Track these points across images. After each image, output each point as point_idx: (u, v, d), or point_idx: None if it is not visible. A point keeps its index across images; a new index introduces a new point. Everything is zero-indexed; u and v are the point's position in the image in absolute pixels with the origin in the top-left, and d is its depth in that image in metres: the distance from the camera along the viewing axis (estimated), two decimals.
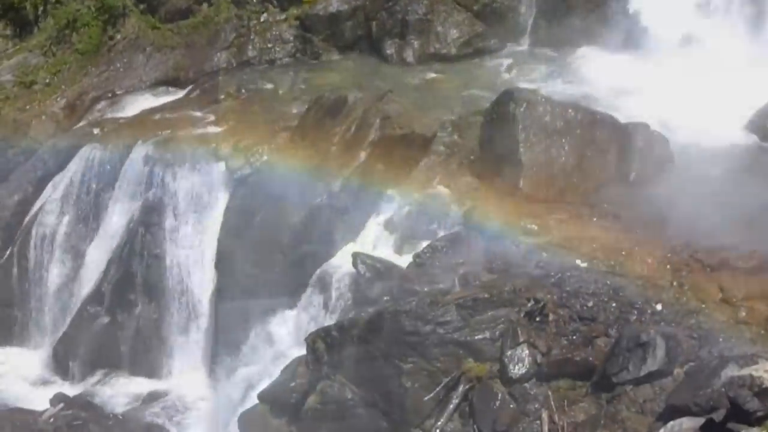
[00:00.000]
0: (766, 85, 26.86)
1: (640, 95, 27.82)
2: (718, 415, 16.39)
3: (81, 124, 31.36)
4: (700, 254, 22.80)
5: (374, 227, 25.74)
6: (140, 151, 28.96)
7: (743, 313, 21.13)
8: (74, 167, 29.68)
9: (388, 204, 25.84)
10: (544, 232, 23.97)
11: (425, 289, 23.24)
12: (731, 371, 17.05)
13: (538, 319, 21.81)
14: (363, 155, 26.77)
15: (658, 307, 21.60)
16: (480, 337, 21.87)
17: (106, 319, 28.36)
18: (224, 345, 27.03)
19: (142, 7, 33.62)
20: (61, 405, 27.05)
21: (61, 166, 29.98)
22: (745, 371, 16.31)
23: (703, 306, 21.42)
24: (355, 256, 24.94)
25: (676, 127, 26.58)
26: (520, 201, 25.02)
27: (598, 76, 29.80)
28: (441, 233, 24.84)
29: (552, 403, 20.78)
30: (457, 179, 26.12)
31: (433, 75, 31.43)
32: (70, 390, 27.78)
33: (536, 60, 31.52)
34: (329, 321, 24.46)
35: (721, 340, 20.27)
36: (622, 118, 26.38)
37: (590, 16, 31.66)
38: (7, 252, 29.88)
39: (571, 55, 31.36)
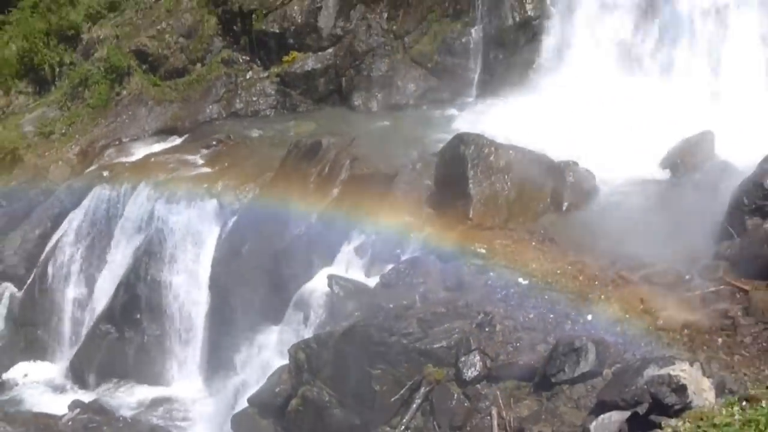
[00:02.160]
0: (676, 127, 26.95)
1: (570, 136, 27.82)
2: (641, 409, 16.38)
3: (92, 167, 31.23)
4: (623, 272, 22.83)
5: (346, 253, 25.67)
6: (143, 191, 29.03)
7: (661, 322, 21.10)
8: (87, 205, 29.68)
9: (358, 233, 25.77)
10: (491, 255, 23.97)
11: (391, 306, 23.21)
12: (652, 371, 17.00)
13: (487, 329, 21.81)
14: (336, 191, 26.84)
15: (589, 317, 21.60)
16: (438, 345, 21.84)
17: (115, 335, 28.26)
18: (218, 356, 26.96)
19: (144, 67, 33.55)
20: (78, 410, 26.86)
21: (76, 204, 29.93)
22: (664, 371, 16.28)
23: (627, 316, 21.39)
24: (330, 278, 24.92)
25: (601, 163, 26.62)
26: (471, 229, 25.02)
27: (534, 121, 29.82)
28: (404, 257, 24.79)
29: (500, 401, 20.72)
30: (416, 211, 26.09)
31: (394, 122, 31.40)
32: (86, 397, 27.57)
33: (482, 109, 31.51)
34: (308, 334, 24.42)
35: (642, 344, 20.25)
36: (555, 156, 26.45)
37: (526, 72, 31.72)
38: (30, 278, 29.72)
39: (510, 104, 31.37)
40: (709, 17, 29.44)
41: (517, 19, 31.84)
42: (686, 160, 26.52)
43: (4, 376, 29.09)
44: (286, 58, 33.01)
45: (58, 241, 29.74)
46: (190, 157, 30.63)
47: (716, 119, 27.06)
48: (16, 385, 28.79)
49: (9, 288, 29.86)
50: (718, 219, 23.71)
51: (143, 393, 27.66)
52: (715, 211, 23.98)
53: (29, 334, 29.64)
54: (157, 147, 31.82)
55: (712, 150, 26.43)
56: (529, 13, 31.76)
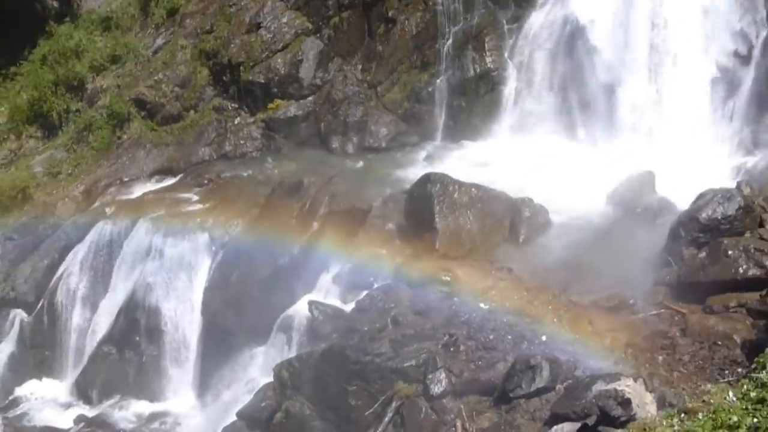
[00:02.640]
0: (620, 167, 27.08)
1: (526, 176, 27.93)
2: (590, 421, 16.42)
3: (96, 204, 31.18)
4: (574, 297, 22.93)
5: (325, 281, 25.69)
6: (142, 226, 28.96)
7: (608, 342, 21.17)
8: (91, 238, 29.59)
9: (336, 262, 25.81)
10: (456, 282, 24.02)
11: (365, 328, 23.30)
12: (600, 386, 17.05)
13: (452, 349, 21.85)
14: (316, 225, 26.84)
15: (544, 338, 21.66)
16: (408, 364, 21.87)
17: (116, 356, 28.14)
18: (209, 375, 26.88)
19: (143, 113, 33.53)
20: (82, 424, 26.91)
21: (81, 238, 29.84)
22: (611, 386, 16.33)
23: (577, 336, 21.46)
24: (311, 304, 24.94)
25: (554, 200, 26.71)
26: (437, 259, 25.07)
27: (494, 162, 29.92)
28: (377, 285, 24.82)
29: (464, 414, 20.75)
30: (388, 242, 26.15)
31: (368, 163, 31.45)
32: (90, 412, 27.50)
33: (446, 151, 31.56)
34: (291, 354, 24.43)
35: (591, 362, 20.32)
36: (512, 193, 26.55)
37: (487, 118, 31.81)
38: (39, 305, 29.57)
39: (473, 147, 31.46)
40: (648, 68, 29.67)
41: (478, 70, 31.92)
42: (629, 197, 26.64)
43: (15, 393, 28.94)
44: (270, 105, 33.03)
45: (64, 271, 29.63)
46: (184, 195, 30.60)
47: (656, 161, 27.22)
48: (26, 401, 28.62)
49: (20, 314, 29.69)
50: (658, 249, 23.86)
51: (141, 408, 27.50)
52: (656, 242, 24.13)
53: (38, 355, 29.49)
54: (155, 186, 31.77)
55: (652, 188, 26.58)
56: (488, 65, 31.85)
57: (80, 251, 29.63)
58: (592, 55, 30.34)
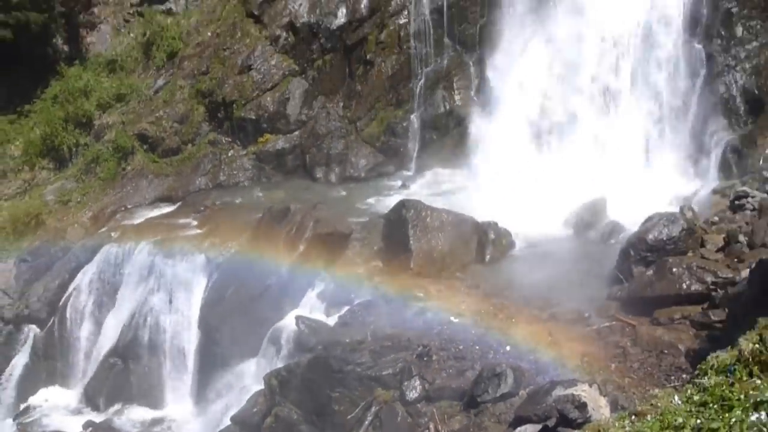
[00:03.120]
0: (576, 194, 27.18)
1: (492, 201, 27.98)
2: (550, 423, 16.39)
3: (103, 229, 31.04)
4: (535, 311, 22.95)
5: (310, 297, 25.64)
6: (145, 248, 28.88)
7: (566, 351, 21.15)
8: (98, 260, 29.48)
9: (320, 281, 25.80)
10: (428, 298, 24.05)
11: (347, 340, 23.24)
12: (559, 392, 17.04)
13: (425, 359, 21.82)
14: (302, 247, 26.79)
15: (508, 348, 21.65)
16: (386, 372, 21.87)
17: (121, 367, 27.99)
18: (205, 383, 26.71)
19: (145, 147, 33.49)
20: (90, 429, 26.82)
21: (89, 259, 29.72)
22: (569, 391, 16.31)
23: (538, 347, 21.43)
24: (297, 318, 24.94)
25: (516, 223, 26.77)
26: (411, 277, 25.12)
27: (463, 189, 29.99)
28: (357, 301, 24.81)
29: (436, 417, 20.70)
30: (367, 262, 26.20)
31: (349, 191, 31.48)
32: (97, 418, 27.32)
33: (420, 180, 31.68)
34: (280, 364, 24.35)
35: (551, 370, 20.31)
36: (479, 218, 26.60)
37: (456, 150, 31.89)
38: (51, 321, 29.42)
39: (442, 176, 31.54)
40: (599, 107, 29.83)
41: (447, 107, 32.07)
42: (584, 220, 26.77)
43: (29, 401, 28.79)
44: (260, 139, 33.02)
45: (74, 290, 29.48)
46: (182, 221, 30.51)
47: (608, 188, 27.32)
48: (39, 408, 28.46)
49: (33, 329, 29.60)
50: (610, 267, 23.93)
51: (144, 414, 27.34)
52: (608, 261, 24.20)
53: (49, 366, 29.32)
54: (156, 212, 31.67)
55: (604, 212, 26.74)
56: (457, 102, 32.01)
57: (88, 272, 29.51)
58: (558, 93, 30.53)
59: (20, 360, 29.48)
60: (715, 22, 28.70)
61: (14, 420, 28.24)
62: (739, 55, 28.40)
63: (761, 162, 26.32)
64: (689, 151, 28.60)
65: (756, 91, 27.87)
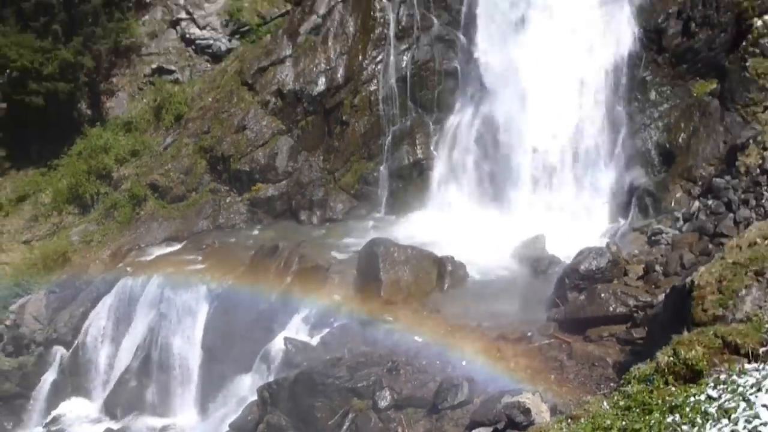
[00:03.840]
0: (521, 232, 27.29)
1: (449, 239, 28.07)
2: (500, 426, 16.37)
3: (120, 265, 30.80)
4: (486, 331, 22.97)
5: (296, 321, 25.53)
6: (155, 281, 28.72)
7: (512, 365, 21.19)
8: (115, 291, 29.28)
9: (305, 307, 25.71)
10: (396, 321, 24.10)
11: (327, 357, 23.26)
12: (507, 399, 17.04)
13: (394, 372, 21.84)
14: (289, 279, 26.75)
15: (464, 363, 21.67)
16: (361, 384, 21.89)
17: (135, 382, 27.77)
18: (208, 395, 26.59)
19: (156, 194, 33.32)
20: None
21: (108, 291, 29.50)
22: (515, 399, 16.30)
23: (489, 361, 21.46)
24: (285, 339, 24.87)
25: (470, 257, 26.82)
26: (382, 303, 25.14)
27: (425, 229, 30.02)
28: (336, 324, 24.79)
29: (404, 422, 20.69)
30: (344, 291, 26.17)
31: (328, 231, 31.44)
32: (115, 426, 27.06)
33: (388, 221, 31.68)
34: (271, 378, 24.30)
35: (500, 381, 20.32)
36: (438, 252, 26.64)
37: (419, 196, 31.98)
38: (75, 343, 29.16)
39: (408, 217, 31.58)
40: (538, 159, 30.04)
41: (411, 160, 32.13)
42: (527, 254, 26.85)
43: (56, 412, 28.52)
44: (254, 187, 32.93)
45: (95, 316, 29.27)
46: (187, 257, 30.36)
47: (546, 226, 27.46)
48: (65, 418, 28.23)
49: (60, 350, 29.31)
50: (549, 293, 24.02)
51: (155, 422, 27.09)
52: (547, 288, 24.31)
53: (74, 381, 29.01)
54: (165, 250, 31.45)
55: (544, 247, 26.82)
56: (419, 155, 32.10)
57: (107, 301, 29.29)
58: (498, 148, 30.71)
59: (49, 376, 29.14)
60: (633, 88, 29.04)
61: (44, 428, 28.04)
62: (653, 115, 28.71)
63: (672, 204, 26.54)
64: (614, 195, 28.81)
65: (667, 145, 28.13)
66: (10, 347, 29.67)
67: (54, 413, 28.52)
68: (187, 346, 27.39)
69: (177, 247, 31.65)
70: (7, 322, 30.10)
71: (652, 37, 28.96)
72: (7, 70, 35.41)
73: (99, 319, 29.18)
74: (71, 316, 29.66)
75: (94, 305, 29.57)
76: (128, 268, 30.39)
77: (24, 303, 30.47)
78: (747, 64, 26.73)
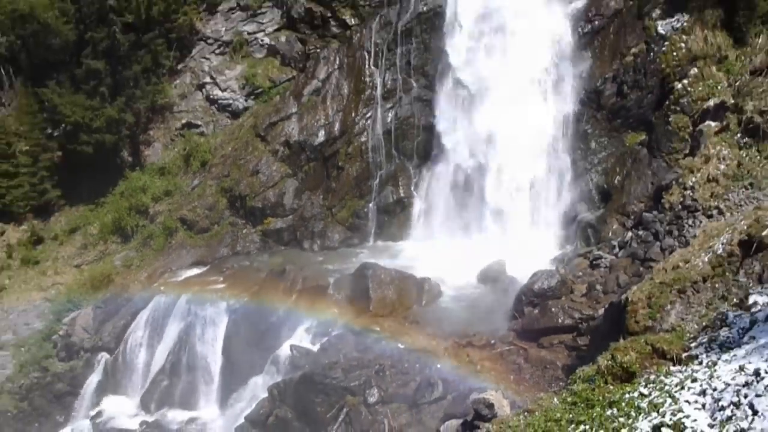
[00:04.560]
0: (484, 257, 27.26)
1: (427, 263, 28.01)
2: (469, 418, 16.24)
3: (154, 285, 30.62)
4: (457, 339, 22.89)
5: (300, 331, 25.45)
6: (184, 298, 28.56)
7: (478, 368, 21.10)
8: (151, 307, 29.09)
9: (307, 319, 25.65)
10: (383, 331, 24.04)
11: (326, 361, 23.17)
12: (474, 396, 16.92)
13: (381, 374, 21.70)
14: (294, 296, 26.71)
15: (439, 366, 21.56)
16: (353, 384, 21.79)
17: (167, 382, 27.56)
18: (227, 393, 26.39)
19: (185, 227, 33.23)
20: (145, 426, 26.45)
21: (144, 306, 29.31)
22: (481, 395, 16.18)
23: (459, 365, 21.37)
24: (291, 346, 24.82)
25: (444, 278, 26.77)
26: (371, 317, 25.09)
27: (407, 255, 29.99)
28: (333, 333, 24.70)
29: (389, 415, 20.56)
30: (340, 306, 26.05)
31: (327, 257, 31.29)
32: (149, 418, 26.90)
33: (377, 249, 31.58)
34: (279, 378, 24.20)
35: (468, 380, 20.24)
36: (418, 274, 26.58)
37: (403, 227, 31.93)
38: (117, 349, 28.92)
39: (393, 246, 31.52)
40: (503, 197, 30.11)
41: (395, 198, 32.11)
42: (491, 276, 26.81)
43: (99, 407, 28.24)
44: (265, 221, 32.84)
45: (134, 327, 29.04)
46: (211, 278, 30.14)
47: (506, 253, 27.44)
48: (107, 411, 27.94)
49: (105, 355, 29.06)
50: (509, 308, 23.96)
51: (183, 415, 26.81)
52: (508, 304, 24.23)
53: (115, 382, 28.72)
54: (192, 273, 31.25)
55: (504, 270, 26.80)
56: (402, 194, 32.08)
57: (144, 315, 29.07)
58: (466, 188, 30.80)
59: (94, 378, 28.87)
60: (576, 139, 29.18)
61: (90, 420, 27.72)
62: (593, 161, 28.85)
63: (610, 234, 26.57)
64: (562, 227, 28.86)
65: (605, 186, 28.25)
66: (63, 353, 29.44)
67: (98, 408, 28.22)
68: (210, 352, 27.16)
69: (202, 270, 31.46)
70: (61, 332, 29.91)
71: (591, 97, 29.17)
72: (62, 125, 35.43)
73: (137, 330, 28.95)
74: (114, 327, 29.43)
75: (134, 318, 29.35)
76: (162, 288, 30.20)
77: (75, 316, 30.29)
78: (670, 119, 26.92)
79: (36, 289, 32.86)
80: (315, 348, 24.50)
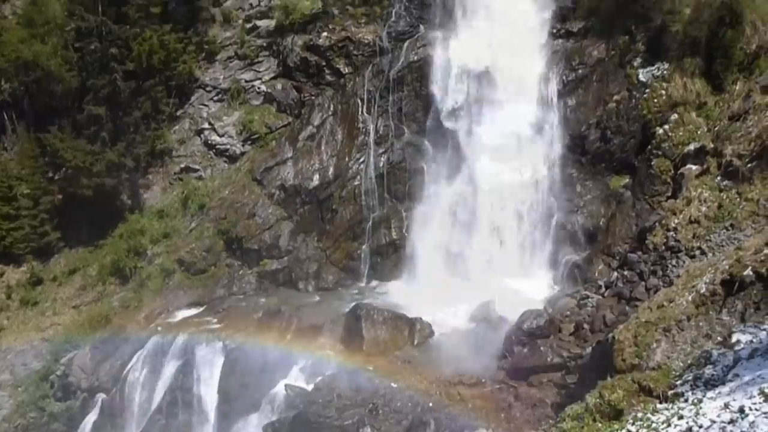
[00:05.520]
0: (475, 297, 27.24)
1: (418, 303, 27.95)
2: None
3: (152, 325, 30.41)
4: (449, 378, 22.81)
5: (295, 370, 25.28)
6: (181, 337, 28.29)
7: (470, 405, 21.03)
8: (148, 347, 28.75)
9: (301, 359, 25.48)
10: (376, 370, 24.01)
11: (320, 401, 22.98)
12: None
13: (374, 413, 21.57)
14: (289, 336, 26.67)
15: (431, 404, 21.42)
16: (347, 422, 21.79)
17: (164, 421, 27.19)
18: (223, 431, 26.00)
19: (182, 268, 33.11)
20: None
21: (142, 346, 28.95)
22: None
23: (451, 403, 21.27)
24: (286, 386, 24.64)
25: (435, 318, 26.69)
26: (364, 356, 24.98)
27: (399, 295, 29.94)
28: (327, 373, 24.55)
29: None
30: (334, 347, 26.01)
31: (322, 297, 31.17)
32: None
33: (370, 289, 31.48)
34: (274, 418, 24.03)
35: (460, 418, 20.12)
36: (409, 314, 26.52)
37: (393, 269, 31.89)
38: (114, 389, 28.53)
39: (386, 286, 31.43)
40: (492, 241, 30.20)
41: (388, 240, 32.10)
42: (481, 315, 26.75)
43: None
44: (261, 262, 32.77)
45: (131, 367, 28.67)
46: (207, 318, 29.94)
47: (496, 293, 27.42)
48: None
49: (101, 395, 28.68)
50: (499, 347, 23.91)
51: None
52: (498, 343, 24.19)
53: (112, 421, 28.28)
54: (189, 313, 31.06)
55: (494, 310, 26.73)
56: (394, 237, 32.06)
57: (141, 355, 28.73)
58: (457, 231, 30.87)
59: (91, 418, 28.48)
60: (563, 182, 29.41)
61: None
62: (579, 204, 29.03)
63: (596, 274, 26.69)
64: (550, 268, 28.92)
65: (591, 228, 28.42)
66: (60, 393, 29.16)
67: None
68: (206, 391, 26.86)
69: (199, 310, 31.29)
70: (58, 373, 29.65)
71: (576, 142, 29.49)
72: (63, 168, 35.48)
73: (134, 370, 28.61)
74: (111, 367, 29.15)
75: (131, 358, 29.01)
76: (159, 328, 29.97)
77: (72, 357, 30.06)
78: (652, 163, 27.22)
79: (34, 330, 32.64)
80: (309, 387, 24.31)
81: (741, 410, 10.73)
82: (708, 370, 13.24)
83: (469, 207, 30.55)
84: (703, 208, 23.93)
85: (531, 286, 28.25)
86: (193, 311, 31.29)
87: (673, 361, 15.15)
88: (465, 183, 30.78)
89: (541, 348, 22.28)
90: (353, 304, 27.57)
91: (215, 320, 29.71)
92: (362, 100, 33.74)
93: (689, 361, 14.52)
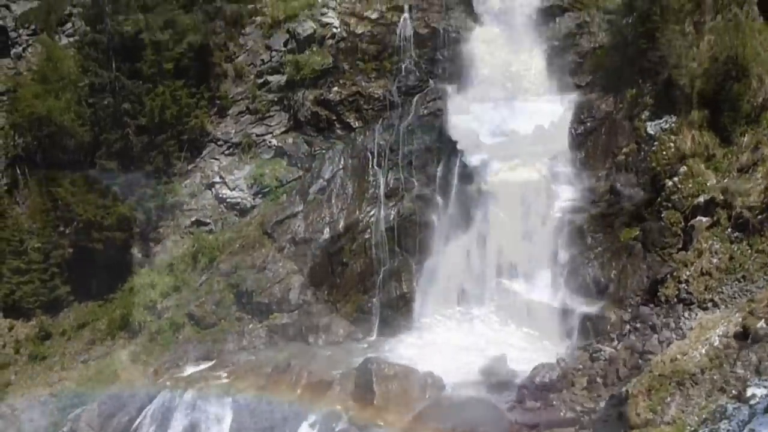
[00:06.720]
0: (487, 351, 27.20)
1: (429, 357, 27.90)
2: None
3: (161, 380, 30.30)
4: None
5: (305, 427, 25.13)
6: (190, 393, 28.13)
7: None
8: (157, 402, 28.62)
9: (312, 414, 25.31)
10: (387, 425, 23.93)
11: None
12: None
13: None
14: (299, 391, 26.53)
15: None
16: None
17: None
18: None
19: (192, 322, 33.23)
20: None
21: (150, 401, 28.82)
22: None
23: None
24: None
25: (447, 372, 26.55)
26: (375, 411, 24.86)
27: (410, 349, 29.84)
28: (337, 429, 24.46)
29: None
30: (344, 401, 25.80)
31: (333, 351, 30.88)
32: None
33: (380, 343, 31.22)
34: None
35: None
36: (420, 368, 26.42)
37: (404, 322, 31.86)
38: None
39: (396, 340, 31.23)
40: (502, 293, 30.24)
41: (398, 293, 32.00)
42: (492, 370, 26.60)
43: None
44: (271, 316, 32.80)
45: (139, 423, 28.55)
46: (216, 373, 29.73)
47: (508, 347, 27.40)
48: None
49: None
50: (511, 401, 23.80)
51: None
52: (509, 397, 24.11)
53: None
54: (198, 368, 30.88)
55: (505, 363, 26.63)
56: (404, 290, 31.95)
57: (150, 410, 28.58)
58: (468, 284, 30.97)
59: None
60: (573, 234, 29.55)
61: None
62: (590, 256, 29.10)
63: (608, 327, 26.60)
64: (561, 321, 28.85)
65: (602, 279, 28.39)
66: None
67: None
68: None
69: (208, 364, 31.17)
70: (65, 429, 29.57)
71: (586, 195, 29.72)
72: (74, 222, 35.89)
73: (142, 426, 28.43)
74: (119, 423, 28.95)
75: (138, 414, 28.86)
76: (167, 383, 29.81)
77: (80, 413, 29.96)
78: (662, 215, 27.38)
79: (42, 385, 32.64)
80: None
81: None
82: (723, 425, 13.24)
83: (481, 260, 30.65)
84: (715, 260, 24.03)
85: (543, 340, 28.19)
86: (202, 366, 31.20)
87: (688, 416, 15.14)
88: (474, 236, 30.98)
89: (554, 402, 22.19)
90: (364, 358, 27.48)
91: (224, 374, 29.59)
92: (372, 153, 34.19)
93: (704, 416, 14.51)
